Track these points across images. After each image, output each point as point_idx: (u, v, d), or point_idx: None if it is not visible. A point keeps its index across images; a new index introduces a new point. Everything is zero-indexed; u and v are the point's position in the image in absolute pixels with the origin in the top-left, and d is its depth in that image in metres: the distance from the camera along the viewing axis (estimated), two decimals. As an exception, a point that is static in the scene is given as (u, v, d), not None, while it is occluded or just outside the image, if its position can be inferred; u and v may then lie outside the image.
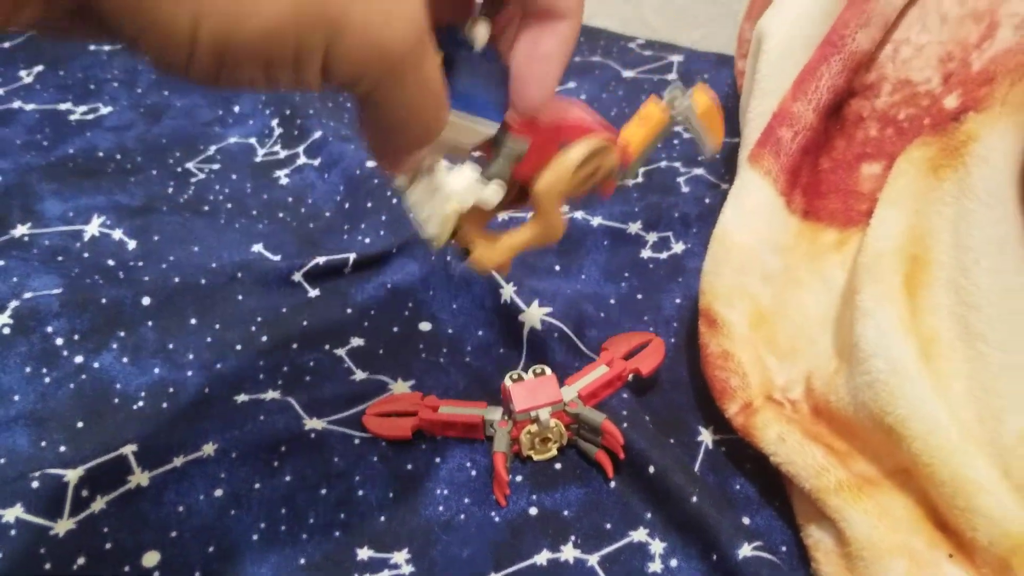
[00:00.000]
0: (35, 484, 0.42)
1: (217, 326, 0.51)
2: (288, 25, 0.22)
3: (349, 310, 0.53)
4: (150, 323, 0.51)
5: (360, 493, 0.43)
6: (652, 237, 0.60)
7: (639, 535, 0.42)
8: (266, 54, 0.23)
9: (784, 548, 0.41)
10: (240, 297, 0.53)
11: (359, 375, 0.49)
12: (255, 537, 0.41)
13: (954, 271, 0.40)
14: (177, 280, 0.53)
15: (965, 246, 0.40)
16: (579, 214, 0.60)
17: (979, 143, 0.41)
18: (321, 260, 0.55)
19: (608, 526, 0.42)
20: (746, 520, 0.42)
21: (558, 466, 0.45)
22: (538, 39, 0.31)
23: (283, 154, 0.67)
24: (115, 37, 0.22)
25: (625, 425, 0.44)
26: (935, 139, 0.43)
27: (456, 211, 0.34)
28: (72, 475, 0.42)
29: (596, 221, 0.59)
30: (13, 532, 0.40)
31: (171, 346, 0.50)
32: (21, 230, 0.57)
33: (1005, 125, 0.41)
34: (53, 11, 0.21)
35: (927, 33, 0.49)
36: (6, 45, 0.79)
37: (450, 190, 0.33)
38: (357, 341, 0.51)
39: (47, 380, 0.47)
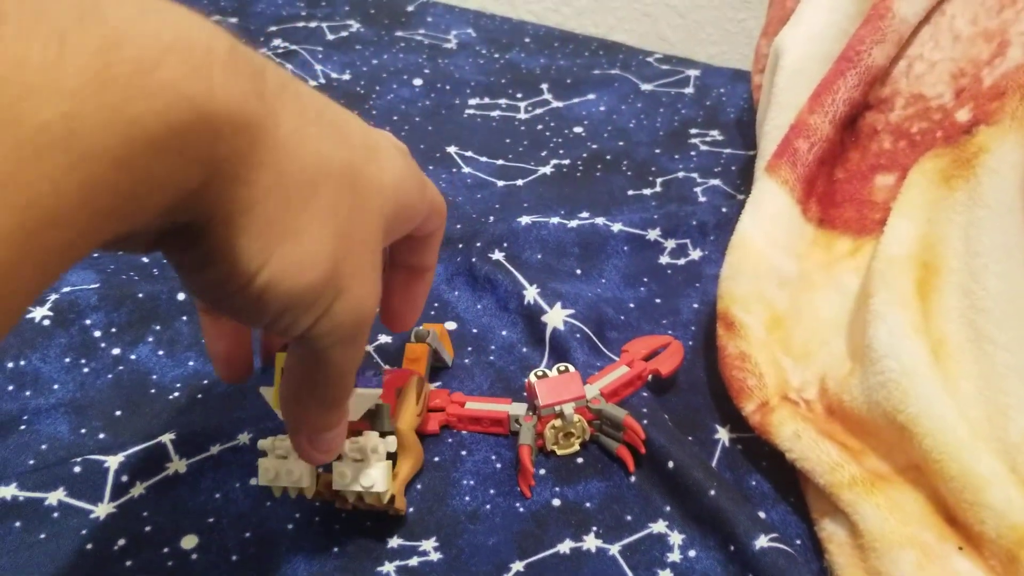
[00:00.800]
0: (77, 469, 0.44)
1: (249, 323, 0.53)
2: (321, 287, 0.27)
3: (377, 309, 0.55)
4: (184, 318, 0.53)
5: (389, 483, 0.45)
6: (670, 244, 0.61)
7: (659, 527, 0.43)
8: (296, 302, 0.27)
9: (799, 541, 0.43)
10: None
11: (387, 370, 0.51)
12: (290, 526, 0.42)
13: (964, 276, 0.42)
14: (211, 278, 0.55)
15: (975, 252, 0.42)
16: (600, 220, 0.61)
17: (990, 155, 0.43)
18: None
19: (629, 518, 0.44)
20: (762, 514, 0.43)
21: (580, 460, 0.46)
22: (409, 286, 0.39)
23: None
24: (187, 251, 0.26)
25: (645, 422, 0.46)
26: (947, 151, 0.45)
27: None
28: (112, 461, 0.44)
29: (616, 227, 0.61)
30: (56, 515, 0.42)
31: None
32: (59, 228, 0.59)
33: (1015, 138, 0.43)
34: (169, 217, 0.24)
35: (940, 50, 0.51)
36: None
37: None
38: (384, 338, 0.53)
39: (86, 370, 0.49)
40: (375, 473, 0.39)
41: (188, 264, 0.26)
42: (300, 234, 0.27)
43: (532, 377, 0.46)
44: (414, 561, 0.41)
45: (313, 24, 0.89)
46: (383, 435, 0.40)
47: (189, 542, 0.41)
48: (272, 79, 0.26)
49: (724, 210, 0.64)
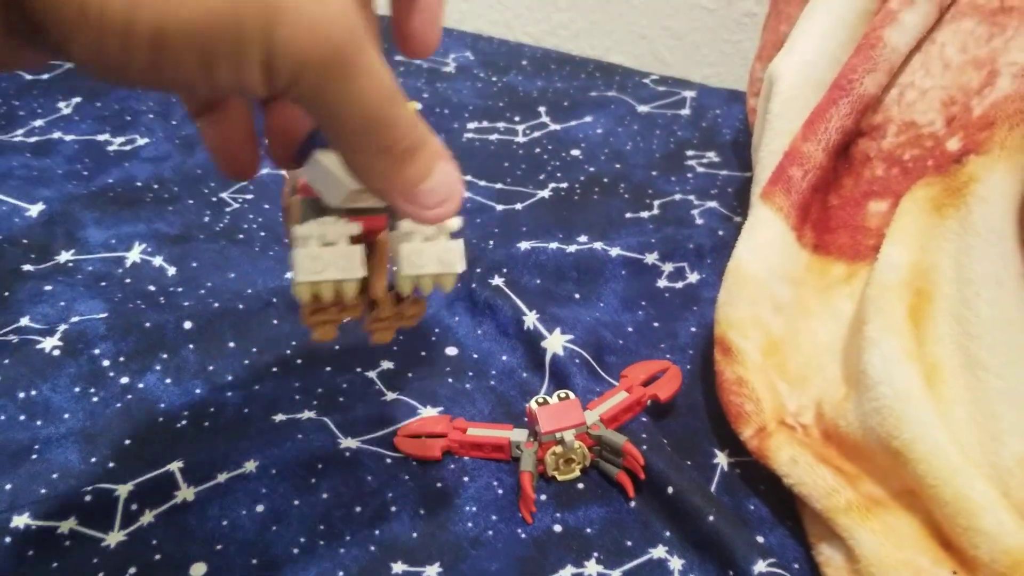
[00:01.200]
0: (88, 498, 0.44)
1: (254, 349, 0.54)
2: (225, 8, 0.21)
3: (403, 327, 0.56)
4: (191, 346, 0.53)
5: (393, 510, 0.45)
6: (668, 267, 0.62)
7: (659, 552, 0.44)
8: (205, 43, 0.22)
9: (796, 565, 0.44)
10: (275, 322, 0.56)
11: (389, 396, 0.52)
12: (295, 551, 0.43)
13: (956, 303, 0.43)
14: (216, 305, 0.56)
15: (967, 279, 0.43)
16: (598, 244, 0.62)
17: (980, 184, 0.44)
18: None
19: (629, 543, 0.44)
20: (760, 539, 0.44)
21: (581, 486, 0.47)
22: None
23: (313, 185, 0.70)
24: (49, 43, 0.22)
25: (644, 447, 0.46)
26: (938, 179, 0.46)
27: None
28: (122, 490, 0.45)
29: (614, 251, 0.62)
30: (68, 543, 0.43)
31: (211, 368, 0.52)
32: (66, 256, 0.60)
33: (1004, 167, 0.44)
34: None
35: (931, 78, 0.52)
36: (44, 77, 0.82)
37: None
38: (387, 364, 0.54)
39: (95, 399, 0.50)
40: (455, 247, 0.33)
41: (58, 38, 0.21)
42: None
43: (533, 404, 0.47)
44: (419, 587, 0.42)
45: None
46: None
47: (198, 570, 0.42)
48: None
49: (721, 233, 0.65)
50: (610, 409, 0.48)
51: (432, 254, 0.33)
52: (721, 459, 0.49)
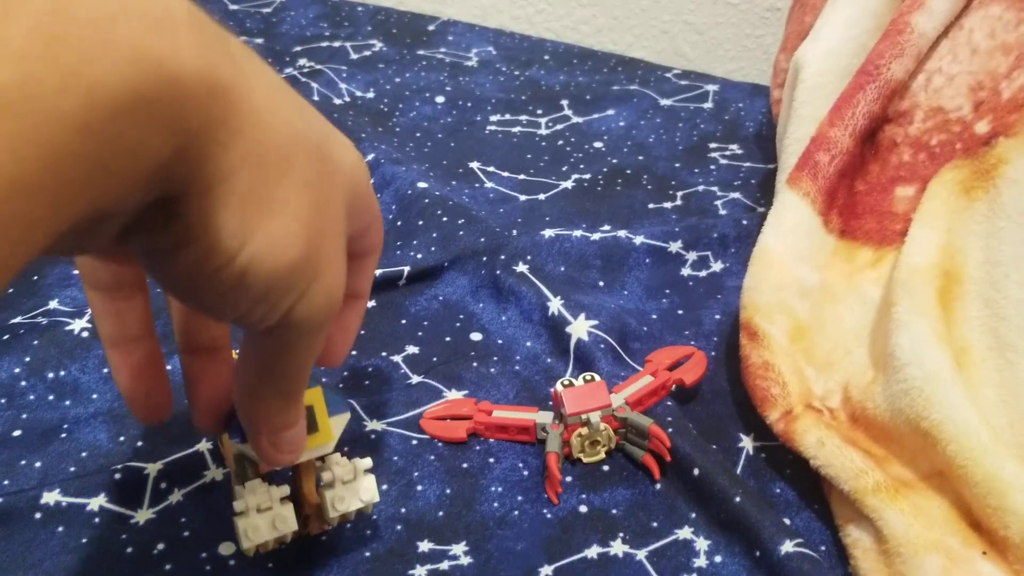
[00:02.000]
0: (117, 476, 0.45)
1: (280, 334, 0.54)
2: (300, 267, 0.26)
3: (404, 320, 0.56)
4: (218, 330, 0.54)
5: (419, 489, 0.45)
6: (692, 256, 0.62)
7: (684, 533, 0.44)
8: (276, 283, 0.26)
9: (823, 547, 0.44)
10: (301, 308, 0.56)
11: (415, 379, 0.52)
12: (323, 537, 0.43)
13: (985, 285, 0.43)
14: (242, 290, 0.56)
15: (996, 261, 0.43)
16: (622, 233, 0.62)
17: (1009, 166, 0.44)
18: (377, 273, 0.58)
19: (654, 524, 0.44)
20: (787, 521, 0.44)
21: (606, 468, 0.47)
22: (343, 316, 0.37)
23: (337, 175, 0.71)
24: (161, 235, 0.24)
25: (670, 430, 0.46)
26: (967, 162, 0.46)
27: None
28: (152, 468, 0.45)
29: (638, 240, 0.62)
30: (97, 520, 0.43)
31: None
32: (93, 243, 0.60)
33: (1034, 149, 0.43)
34: (142, 193, 0.23)
35: (958, 64, 0.52)
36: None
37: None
38: (412, 349, 0.54)
39: (123, 381, 0.50)
40: (369, 485, 0.40)
41: (164, 247, 0.25)
42: (279, 208, 0.25)
43: (558, 386, 0.47)
44: (444, 565, 0.42)
45: (337, 44, 0.90)
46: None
47: (227, 548, 0.42)
48: (235, 45, 0.24)
49: (745, 223, 0.65)
50: (635, 392, 0.48)
51: (353, 493, 0.40)
52: (747, 443, 0.49)
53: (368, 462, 0.40)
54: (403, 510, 0.44)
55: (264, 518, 0.38)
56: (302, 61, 0.85)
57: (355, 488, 0.40)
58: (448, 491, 0.46)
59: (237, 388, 0.32)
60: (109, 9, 0.20)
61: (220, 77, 0.23)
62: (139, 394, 0.36)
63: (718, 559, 0.43)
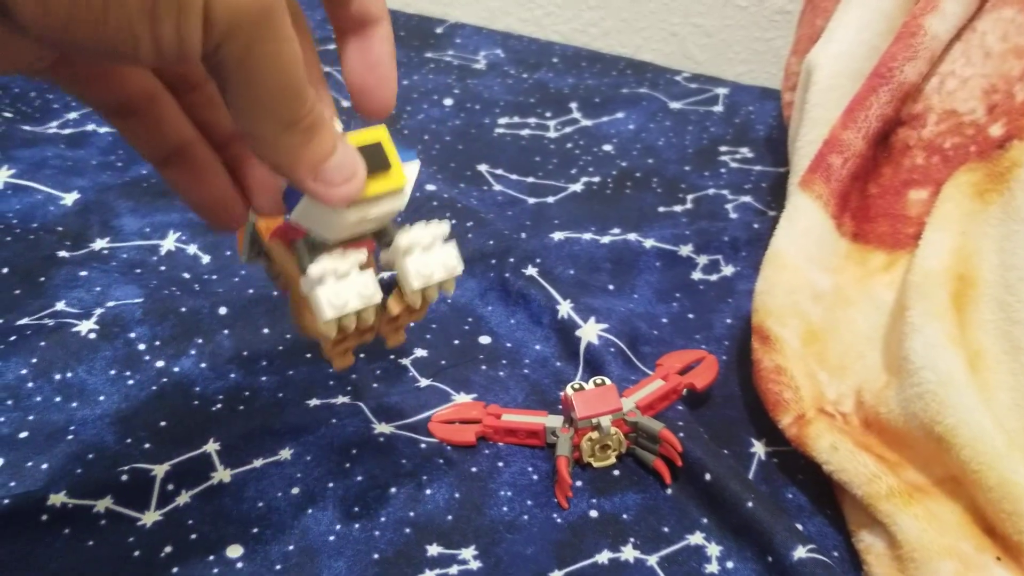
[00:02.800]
0: (124, 478, 0.44)
1: (288, 336, 0.54)
2: None
3: (412, 324, 0.56)
4: (226, 331, 0.54)
5: (428, 492, 0.45)
6: (703, 259, 0.62)
7: (696, 538, 0.44)
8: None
9: (836, 552, 0.43)
10: (309, 310, 0.56)
11: (423, 382, 0.52)
12: (332, 538, 0.43)
13: (999, 289, 0.42)
14: (250, 292, 0.56)
15: (1010, 265, 0.42)
16: (632, 236, 0.62)
17: (1023, 169, 0.43)
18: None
19: (666, 529, 0.44)
20: (799, 526, 0.44)
21: (616, 473, 0.47)
22: (366, 49, 0.32)
23: (345, 177, 0.70)
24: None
25: (681, 435, 0.46)
26: (981, 165, 0.45)
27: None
28: (159, 470, 0.45)
29: (648, 243, 0.62)
30: (103, 522, 0.43)
31: (246, 353, 0.53)
32: (101, 243, 0.60)
33: (1049, 152, 0.43)
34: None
35: (971, 67, 0.52)
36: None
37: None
38: (421, 352, 0.54)
39: (130, 382, 0.50)
40: (452, 251, 0.35)
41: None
42: None
43: (569, 390, 0.47)
44: (454, 569, 0.42)
45: (345, 45, 0.90)
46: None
47: (234, 551, 0.42)
48: None
49: (756, 226, 0.64)
50: (646, 396, 0.48)
51: (435, 262, 0.34)
52: (758, 448, 0.49)
53: (446, 227, 0.35)
54: (412, 513, 0.44)
55: (345, 284, 0.32)
56: (310, 63, 0.85)
57: (439, 258, 0.35)
58: (457, 495, 0.45)
59: (250, 147, 0.29)
60: None
61: None
62: (207, 202, 0.33)
63: (730, 565, 0.42)
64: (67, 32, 0.22)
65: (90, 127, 0.74)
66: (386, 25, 0.33)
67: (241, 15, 0.23)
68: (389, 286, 0.36)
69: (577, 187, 0.71)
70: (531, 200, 0.69)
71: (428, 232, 0.35)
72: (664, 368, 0.51)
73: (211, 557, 0.42)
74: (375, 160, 0.30)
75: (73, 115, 0.76)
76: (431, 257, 0.34)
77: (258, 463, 0.46)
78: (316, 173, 0.28)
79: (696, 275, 0.61)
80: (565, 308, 0.55)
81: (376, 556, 0.42)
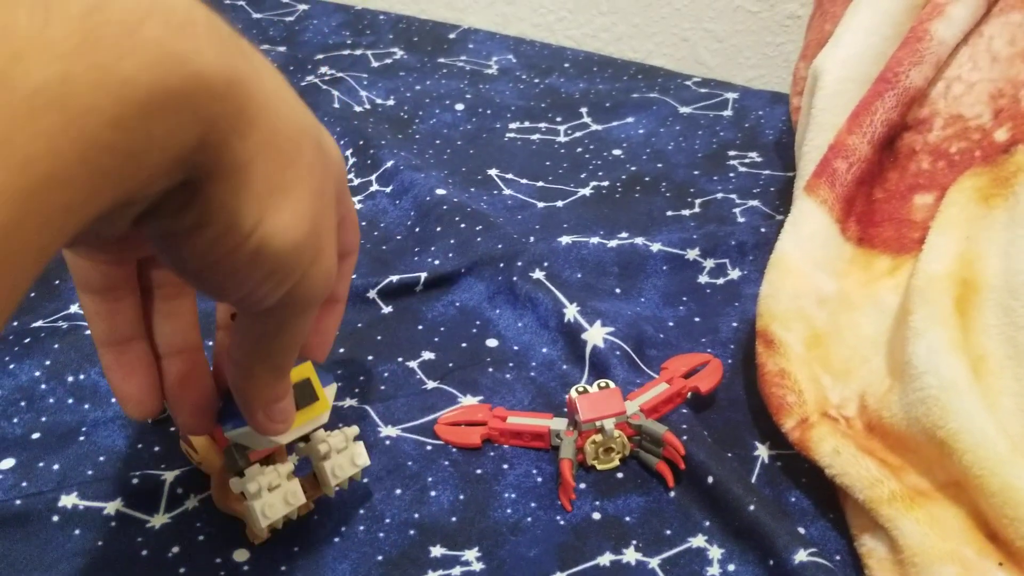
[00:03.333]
0: (135, 481, 0.45)
1: (297, 339, 0.55)
2: (305, 248, 0.28)
3: (420, 326, 0.57)
4: (236, 335, 0.54)
5: (433, 494, 0.46)
6: (709, 263, 0.62)
7: (698, 541, 0.44)
8: (283, 262, 0.28)
9: (838, 556, 0.43)
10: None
11: (430, 385, 0.52)
12: (336, 539, 0.43)
13: (1003, 294, 0.42)
14: (260, 296, 0.56)
15: (1015, 270, 0.42)
16: (640, 240, 0.62)
17: (1028, 173, 0.43)
18: (395, 279, 0.58)
19: (668, 532, 0.44)
20: (801, 530, 0.44)
21: (620, 475, 0.47)
22: (320, 319, 0.40)
23: (357, 182, 0.71)
24: (179, 217, 0.26)
25: (685, 438, 0.46)
26: (986, 170, 0.46)
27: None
28: (168, 474, 0.46)
29: (656, 247, 0.62)
30: (114, 524, 0.43)
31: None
32: (115, 248, 0.61)
33: (1053, 156, 0.43)
34: (166, 180, 0.24)
35: (978, 71, 0.52)
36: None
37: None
38: (428, 355, 0.54)
39: (142, 385, 0.51)
40: (360, 450, 0.42)
41: (182, 228, 0.26)
42: (290, 191, 0.27)
43: (573, 392, 0.47)
44: (456, 571, 0.42)
45: (359, 52, 0.91)
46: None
47: (241, 555, 0.43)
48: (246, 45, 0.26)
49: (763, 230, 0.64)
50: (651, 400, 0.48)
51: (347, 462, 0.42)
52: (762, 452, 0.49)
53: (355, 429, 0.43)
54: (416, 515, 0.45)
55: (276, 495, 0.40)
56: (323, 69, 0.86)
57: (349, 455, 0.42)
58: (462, 497, 0.46)
59: (231, 368, 0.34)
60: (138, 12, 0.22)
61: (237, 73, 0.24)
62: (130, 393, 0.37)
63: (732, 568, 0.43)
64: (221, 259, 0.27)
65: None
66: (342, 305, 0.41)
67: (316, 297, 0.30)
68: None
69: (586, 191, 0.71)
70: (540, 204, 0.69)
71: (342, 436, 0.42)
72: (669, 371, 0.51)
73: (218, 560, 0.42)
74: (305, 394, 0.39)
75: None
76: (343, 458, 0.42)
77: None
78: (267, 411, 0.35)
79: (703, 279, 0.61)
80: (572, 311, 0.55)
81: (380, 558, 0.43)
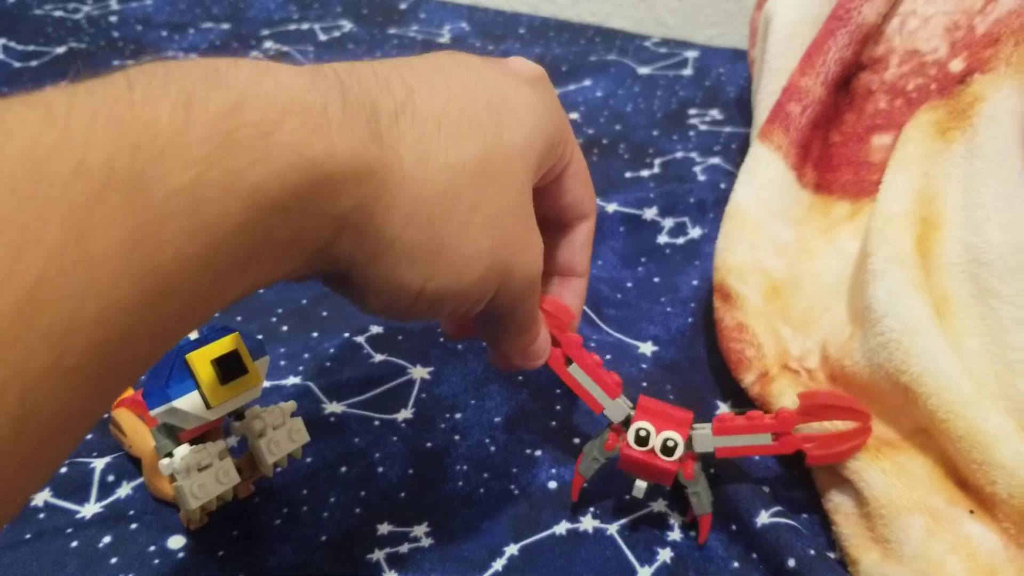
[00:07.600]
0: (63, 470, 0.43)
1: (239, 318, 0.52)
2: (487, 277, 0.29)
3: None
4: (174, 317, 0.52)
5: (380, 470, 0.43)
6: (668, 223, 0.60)
7: (658, 506, 0.42)
8: (463, 298, 0.29)
9: (804, 515, 0.41)
10: (261, 292, 0.54)
11: (377, 358, 0.50)
12: (277, 522, 0.41)
13: (964, 230, 0.40)
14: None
15: (975, 204, 0.40)
16: (597, 201, 0.60)
17: (986, 103, 0.41)
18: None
19: (627, 497, 0.42)
20: (766, 488, 0.42)
21: (575, 441, 0.45)
22: (561, 296, 0.38)
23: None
24: (346, 287, 0.28)
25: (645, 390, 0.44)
26: (942, 103, 0.43)
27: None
28: (98, 462, 0.43)
29: (611, 208, 0.60)
30: (42, 515, 0.41)
31: (194, 336, 0.51)
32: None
33: (1011, 84, 0.41)
34: (306, 270, 0.25)
35: (933, 5, 0.50)
36: (33, 64, 0.81)
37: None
38: (376, 328, 0.52)
39: (74, 373, 0.48)
40: (299, 426, 0.40)
41: (352, 295, 0.28)
42: (453, 244, 0.27)
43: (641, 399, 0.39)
44: (404, 548, 0.40)
45: (306, 26, 0.88)
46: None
47: (176, 542, 0.40)
48: (385, 114, 0.26)
49: (723, 186, 0.62)
50: (736, 447, 0.39)
51: (284, 438, 0.40)
52: (723, 410, 0.47)
53: (293, 404, 0.40)
54: (362, 493, 0.42)
55: (207, 475, 0.37)
56: (268, 44, 0.83)
57: (287, 431, 0.40)
58: (411, 471, 0.44)
59: (480, 333, 0.36)
60: (274, 114, 0.22)
61: (369, 162, 0.24)
62: None
63: (694, 533, 0.40)
64: (399, 315, 0.29)
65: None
66: (583, 279, 0.39)
67: (520, 294, 0.31)
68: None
69: (542, 156, 0.69)
70: (494, 171, 0.67)
71: (278, 411, 0.40)
72: (791, 416, 0.38)
73: (152, 548, 0.40)
74: (233, 367, 0.36)
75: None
76: (281, 434, 0.40)
77: (203, 449, 0.44)
78: (525, 354, 0.36)
79: (662, 239, 0.59)
80: (525, 277, 0.53)
81: (324, 538, 0.40)
